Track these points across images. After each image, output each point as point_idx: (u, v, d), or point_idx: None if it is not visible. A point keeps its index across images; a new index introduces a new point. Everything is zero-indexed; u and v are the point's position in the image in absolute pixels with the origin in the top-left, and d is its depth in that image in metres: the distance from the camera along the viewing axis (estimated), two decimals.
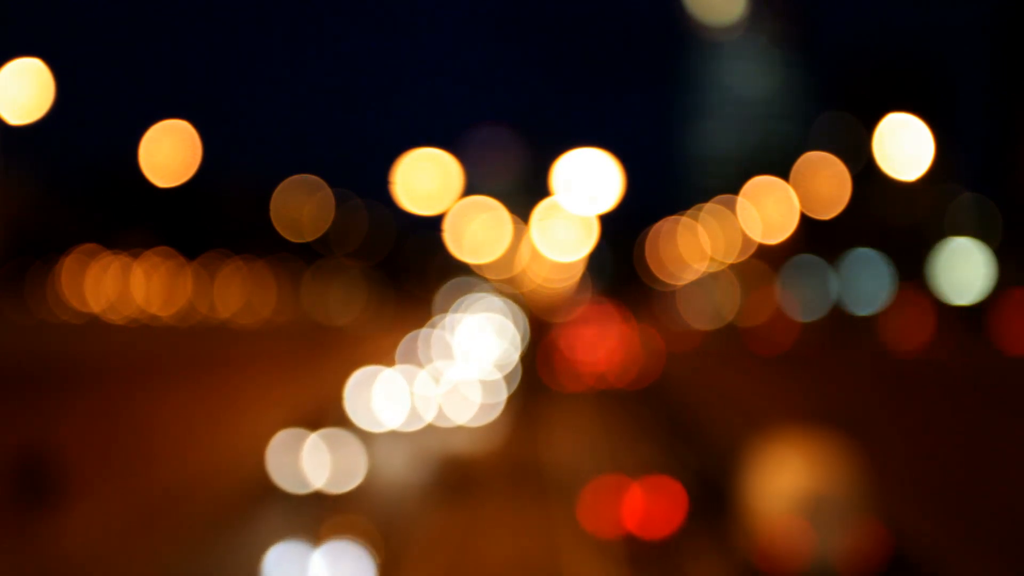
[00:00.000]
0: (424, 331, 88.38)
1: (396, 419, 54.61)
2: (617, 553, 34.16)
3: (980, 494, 26.38)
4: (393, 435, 52.39)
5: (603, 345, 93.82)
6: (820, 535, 29.13)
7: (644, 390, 76.85)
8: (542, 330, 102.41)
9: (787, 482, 30.76)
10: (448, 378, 63.05)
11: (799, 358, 50.17)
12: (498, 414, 59.71)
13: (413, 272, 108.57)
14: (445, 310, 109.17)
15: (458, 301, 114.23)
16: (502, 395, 66.84)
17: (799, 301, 78.87)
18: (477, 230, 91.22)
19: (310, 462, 34.74)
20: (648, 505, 37.36)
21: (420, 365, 64.91)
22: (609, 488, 38.68)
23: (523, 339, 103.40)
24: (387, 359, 65.77)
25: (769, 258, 79.56)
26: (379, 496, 36.49)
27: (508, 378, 75.76)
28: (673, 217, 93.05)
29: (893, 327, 50.36)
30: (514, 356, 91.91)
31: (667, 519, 36.38)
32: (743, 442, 40.56)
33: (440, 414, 57.24)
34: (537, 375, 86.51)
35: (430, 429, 54.55)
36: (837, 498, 29.75)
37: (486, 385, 65.51)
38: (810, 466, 30.98)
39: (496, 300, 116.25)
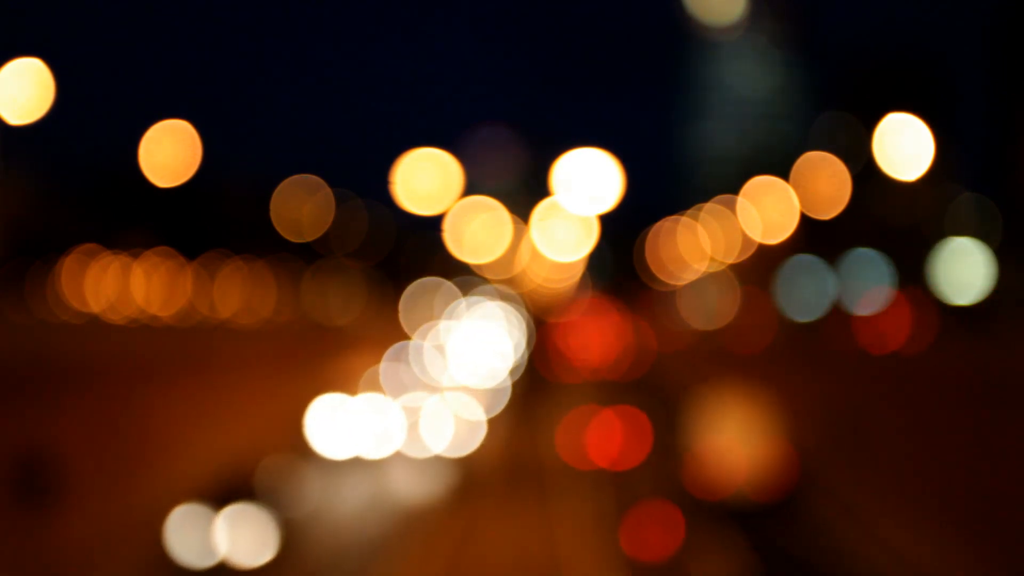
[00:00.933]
0: (412, 344, 77.66)
1: (361, 446, 46.31)
2: (592, 480, 42.00)
3: (969, 489, 26.48)
4: (354, 464, 45.36)
5: (598, 342, 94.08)
6: (740, 458, 38.06)
7: (632, 381, 78.35)
8: (541, 328, 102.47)
9: (720, 422, 40.46)
10: (428, 405, 51.80)
11: (771, 357, 54.22)
12: (480, 442, 49.16)
13: (413, 272, 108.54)
14: (438, 317, 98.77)
15: (453, 305, 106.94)
16: (491, 414, 57.37)
17: (794, 301, 78.99)
18: (477, 230, 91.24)
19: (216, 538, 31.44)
20: (619, 439, 47.36)
21: (394, 393, 53.33)
22: (582, 418, 48.79)
23: (520, 350, 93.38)
24: (358, 382, 55.64)
25: (769, 258, 79.66)
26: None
27: (494, 399, 64.26)
28: (673, 217, 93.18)
29: (877, 327, 53.87)
30: (508, 374, 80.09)
31: (635, 452, 45.65)
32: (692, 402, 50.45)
33: (413, 439, 47.83)
34: (536, 369, 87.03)
35: (399, 458, 46.30)
36: (754, 431, 38.94)
37: (471, 406, 55.80)
38: (738, 412, 40.88)
39: (495, 306, 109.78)
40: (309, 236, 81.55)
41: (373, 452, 46.25)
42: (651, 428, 48.47)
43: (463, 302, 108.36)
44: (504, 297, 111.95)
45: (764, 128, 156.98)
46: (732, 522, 34.05)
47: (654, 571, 29.93)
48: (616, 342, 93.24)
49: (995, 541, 25.42)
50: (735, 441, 38.86)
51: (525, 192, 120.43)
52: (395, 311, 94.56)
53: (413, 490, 40.97)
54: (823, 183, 65.76)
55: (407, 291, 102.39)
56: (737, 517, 34.80)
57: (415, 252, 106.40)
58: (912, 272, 75.03)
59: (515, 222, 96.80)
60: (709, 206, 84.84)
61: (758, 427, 39.23)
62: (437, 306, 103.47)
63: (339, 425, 46.77)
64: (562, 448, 48.08)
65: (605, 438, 48.85)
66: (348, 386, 51.80)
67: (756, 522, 34.00)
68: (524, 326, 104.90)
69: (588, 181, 70.72)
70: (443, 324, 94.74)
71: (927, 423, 30.88)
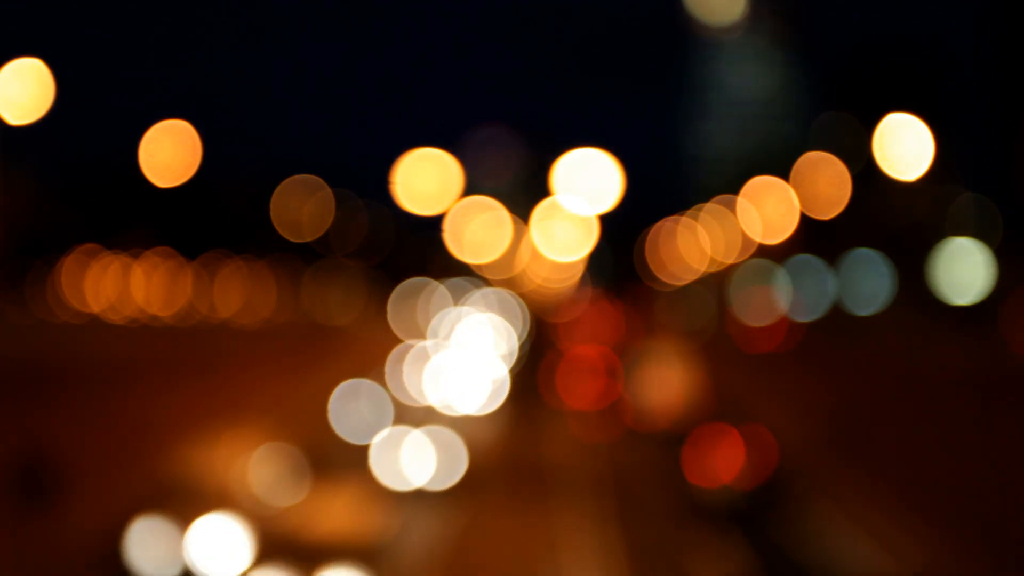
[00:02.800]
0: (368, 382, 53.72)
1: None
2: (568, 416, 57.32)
3: (966, 489, 26.51)
4: None
5: (594, 336, 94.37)
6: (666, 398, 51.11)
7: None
8: (542, 328, 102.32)
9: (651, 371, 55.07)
10: None
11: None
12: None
13: (413, 272, 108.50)
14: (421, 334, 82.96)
15: (441, 315, 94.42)
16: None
17: (794, 301, 79.11)
18: (477, 230, 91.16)
19: None
20: (594, 384, 61.82)
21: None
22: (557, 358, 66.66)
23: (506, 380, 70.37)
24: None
25: (768, 258, 79.73)
26: None
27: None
28: (673, 217, 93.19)
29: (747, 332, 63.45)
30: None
31: (607, 395, 58.78)
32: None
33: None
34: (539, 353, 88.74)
35: None
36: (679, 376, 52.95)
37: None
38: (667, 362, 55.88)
39: (487, 319, 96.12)
40: (309, 236, 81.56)
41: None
42: (622, 371, 61.66)
43: (453, 312, 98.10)
44: (501, 304, 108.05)
45: (764, 128, 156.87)
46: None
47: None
48: (611, 336, 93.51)
49: (990, 539, 25.47)
50: (662, 385, 52.04)
51: (525, 192, 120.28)
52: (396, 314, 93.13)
53: None
54: (823, 183, 65.76)
55: (394, 294, 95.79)
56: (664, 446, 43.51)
57: (415, 252, 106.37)
58: (912, 272, 75.05)
59: (515, 222, 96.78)
60: (709, 206, 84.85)
61: (682, 373, 52.40)
62: (424, 317, 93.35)
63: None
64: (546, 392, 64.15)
65: (583, 385, 63.03)
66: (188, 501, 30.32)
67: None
68: (520, 340, 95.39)
69: (588, 181, 70.74)
70: (427, 345, 77.76)
71: (926, 422, 30.92)
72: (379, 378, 56.13)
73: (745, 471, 35.44)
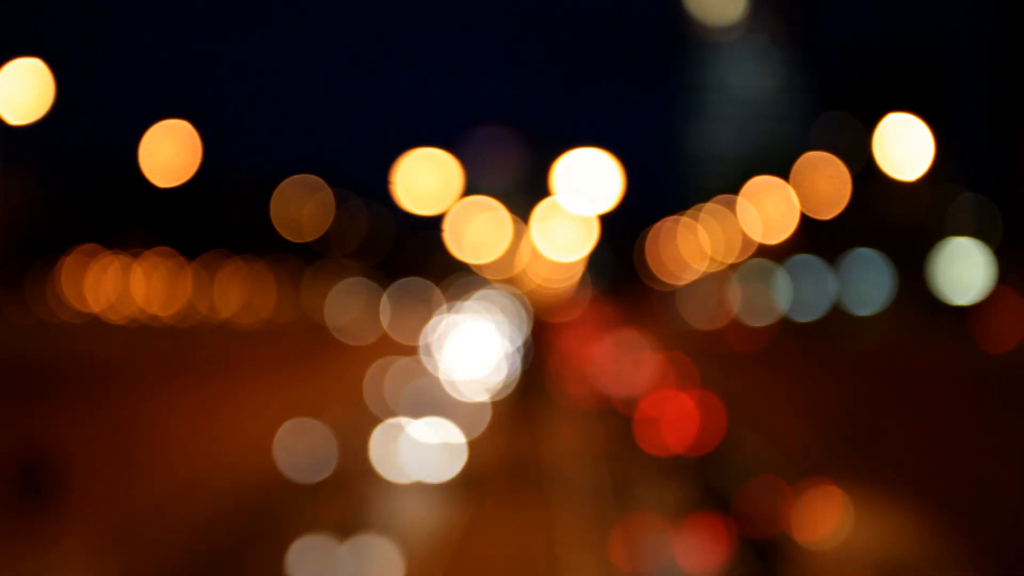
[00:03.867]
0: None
1: None
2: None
3: (968, 489, 26.53)
4: None
5: (590, 334, 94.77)
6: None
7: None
8: (541, 328, 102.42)
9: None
10: None
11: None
12: None
13: (413, 272, 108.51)
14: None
15: (435, 320, 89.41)
16: None
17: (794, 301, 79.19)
18: (477, 230, 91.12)
19: None
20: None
21: None
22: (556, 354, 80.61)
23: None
24: None
25: (768, 258, 79.74)
26: None
27: None
28: (673, 217, 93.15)
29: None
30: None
31: (598, 385, 65.06)
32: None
33: None
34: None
35: None
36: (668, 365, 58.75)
37: None
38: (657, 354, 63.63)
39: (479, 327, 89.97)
40: (309, 236, 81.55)
41: None
42: (615, 365, 67.56)
43: (448, 318, 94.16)
44: (501, 306, 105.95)
45: (764, 128, 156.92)
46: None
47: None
48: (606, 334, 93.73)
49: (988, 537, 25.48)
50: (649, 377, 57.55)
51: (525, 192, 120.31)
52: (396, 317, 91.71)
53: None
54: (823, 183, 65.73)
55: (386, 295, 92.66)
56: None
57: (415, 252, 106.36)
58: (912, 272, 75.06)
59: (515, 222, 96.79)
60: (709, 206, 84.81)
61: (670, 367, 58.24)
62: (419, 320, 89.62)
63: None
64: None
65: (577, 376, 70.91)
66: None
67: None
68: (517, 345, 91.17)
69: (588, 181, 70.74)
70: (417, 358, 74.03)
71: (923, 421, 30.95)
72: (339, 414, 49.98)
73: (697, 438, 38.35)
